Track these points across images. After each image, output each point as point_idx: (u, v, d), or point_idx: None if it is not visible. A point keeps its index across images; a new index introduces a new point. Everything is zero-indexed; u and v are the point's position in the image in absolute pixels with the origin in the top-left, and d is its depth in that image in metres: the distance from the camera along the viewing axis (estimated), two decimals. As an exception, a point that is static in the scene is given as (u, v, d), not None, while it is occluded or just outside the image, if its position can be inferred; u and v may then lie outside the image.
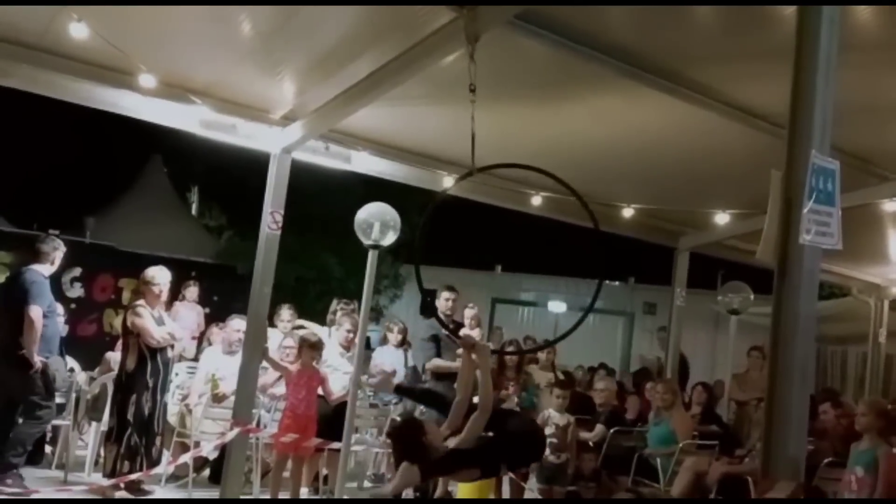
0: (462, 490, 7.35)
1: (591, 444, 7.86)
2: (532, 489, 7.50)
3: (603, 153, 7.21)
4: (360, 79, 5.98)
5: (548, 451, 7.25)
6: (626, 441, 7.89)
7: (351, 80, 6.04)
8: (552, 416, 7.33)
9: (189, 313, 9.07)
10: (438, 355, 7.66)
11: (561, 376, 8.80)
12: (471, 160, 4.70)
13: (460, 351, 7.55)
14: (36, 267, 6.81)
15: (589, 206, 4.35)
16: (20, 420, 6.57)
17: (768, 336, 3.35)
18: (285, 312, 8.44)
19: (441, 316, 7.73)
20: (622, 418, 8.39)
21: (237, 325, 7.66)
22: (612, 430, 7.87)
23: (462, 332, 7.79)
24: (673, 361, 9.66)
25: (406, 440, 4.07)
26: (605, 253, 4.78)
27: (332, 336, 8.14)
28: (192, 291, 9.56)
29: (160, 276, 7.04)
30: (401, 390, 5.67)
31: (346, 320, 7.91)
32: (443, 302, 7.82)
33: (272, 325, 8.17)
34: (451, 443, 4.09)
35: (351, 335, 7.76)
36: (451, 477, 3.96)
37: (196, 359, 8.77)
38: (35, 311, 6.56)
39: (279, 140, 6.86)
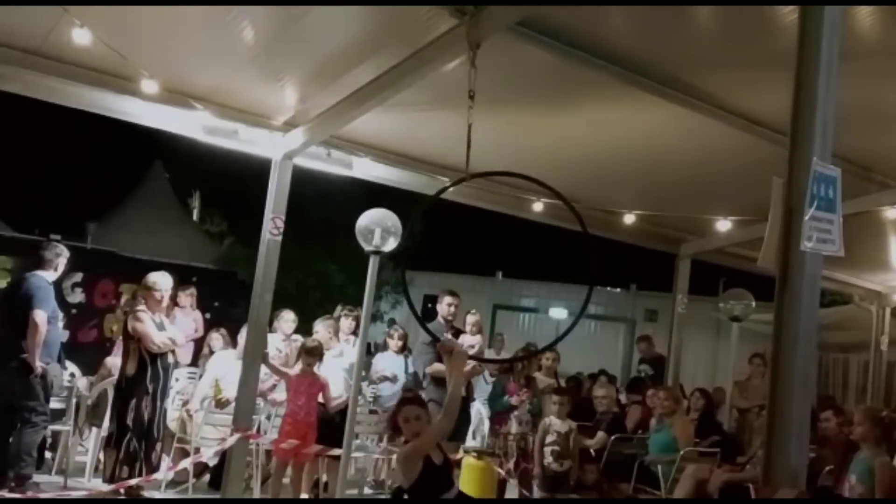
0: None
1: (592, 451, 7.84)
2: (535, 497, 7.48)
3: (604, 160, 7.22)
4: (362, 85, 5.99)
5: (550, 459, 7.23)
6: (628, 448, 7.87)
7: (353, 87, 6.05)
8: (553, 424, 7.32)
9: (185, 319, 9.04)
10: (439, 360, 7.65)
11: (563, 383, 8.79)
12: (474, 167, 4.72)
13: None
14: (40, 273, 6.82)
15: (578, 212, 4.37)
16: (19, 426, 6.56)
17: (770, 343, 3.35)
18: (288, 314, 8.43)
19: (441, 320, 7.72)
20: (623, 425, 8.37)
21: None
22: (613, 437, 7.85)
23: (462, 338, 7.79)
24: (674, 368, 9.66)
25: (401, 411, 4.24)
26: (595, 258, 4.81)
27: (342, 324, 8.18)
28: (184, 298, 9.48)
29: (162, 281, 7.04)
30: None
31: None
32: (444, 307, 7.82)
33: (272, 330, 8.18)
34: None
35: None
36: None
37: (193, 364, 8.75)
38: (40, 316, 6.56)
39: (281, 146, 6.87)
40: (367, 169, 7.50)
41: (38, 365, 6.56)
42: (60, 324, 7.34)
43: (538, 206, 8.23)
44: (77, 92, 6.05)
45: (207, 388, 7.60)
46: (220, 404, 7.39)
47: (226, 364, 7.71)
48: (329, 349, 7.71)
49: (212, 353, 8.55)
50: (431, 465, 4.11)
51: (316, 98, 6.35)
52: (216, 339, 8.81)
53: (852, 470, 5.52)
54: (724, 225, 8.47)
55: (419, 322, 6.19)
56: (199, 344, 9.26)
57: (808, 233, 3.17)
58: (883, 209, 7.36)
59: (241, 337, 7.72)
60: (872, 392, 11.16)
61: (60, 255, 6.94)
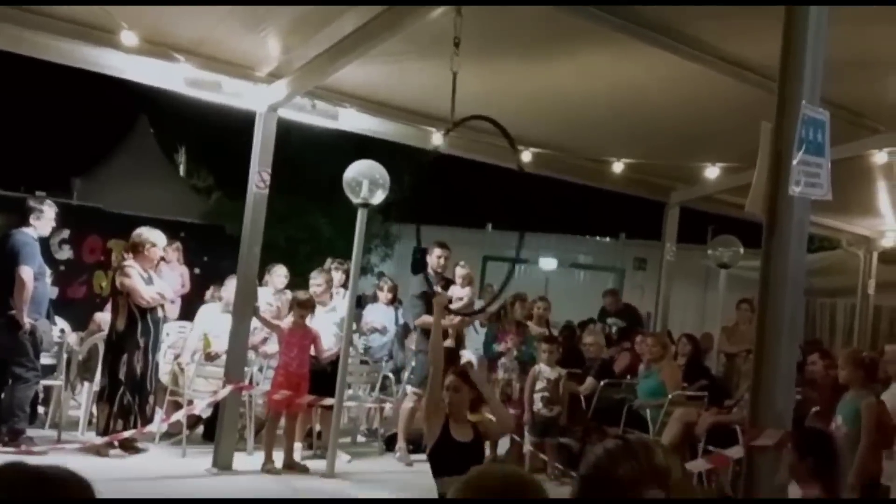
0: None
1: (581, 397, 7.95)
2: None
3: (592, 108, 7.16)
4: (346, 34, 5.90)
5: (540, 405, 7.35)
6: (617, 393, 7.97)
7: (336, 36, 5.96)
8: (543, 371, 7.41)
9: (171, 274, 9.02)
10: (428, 312, 7.69)
11: (555, 332, 8.88)
12: (462, 117, 4.69)
13: (453, 307, 7.73)
14: (26, 229, 6.79)
15: (516, 146, 4.40)
16: (11, 382, 6.58)
17: (758, 290, 3.37)
18: (280, 269, 8.43)
19: (430, 272, 7.74)
20: (612, 371, 8.47)
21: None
22: (602, 383, 7.95)
23: (452, 289, 7.81)
24: (663, 316, 9.73)
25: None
26: (528, 199, 4.84)
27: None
28: (170, 252, 9.44)
29: (159, 238, 7.05)
30: None
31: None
32: (434, 259, 7.82)
33: (262, 284, 8.19)
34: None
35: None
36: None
37: (181, 319, 8.76)
38: (26, 272, 6.54)
39: (265, 98, 6.79)
40: (352, 120, 7.43)
41: (27, 321, 6.55)
42: (48, 280, 7.32)
43: (527, 156, 8.18)
44: (57, 45, 5.94)
45: (196, 341, 7.62)
46: (210, 358, 7.41)
47: (213, 317, 7.73)
48: (323, 304, 7.69)
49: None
50: (449, 437, 4.08)
51: (299, 48, 6.25)
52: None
53: (839, 411, 5.60)
54: (713, 172, 8.45)
55: (424, 277, 6.24)
56: (187, 299, 9.24)
57: (796, 177, 3.17)
58: (871, 154, 7.34)
59: (225, 290, 7.74)
60: (859, 336, 11.29)
61: (45, 211, 6.89)
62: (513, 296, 8.63)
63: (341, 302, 7.91)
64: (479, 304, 9.99)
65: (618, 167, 8.53)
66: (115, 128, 16.20)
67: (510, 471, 1.64)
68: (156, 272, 7.26)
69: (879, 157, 7.36)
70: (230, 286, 7.70)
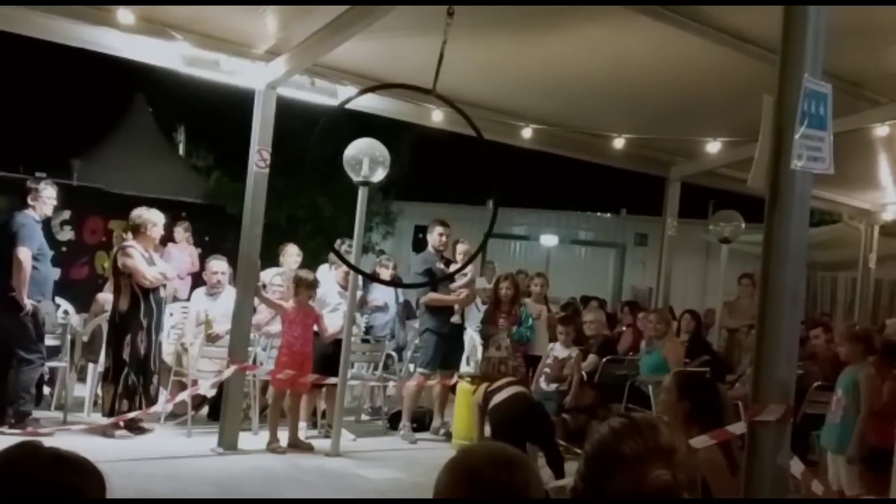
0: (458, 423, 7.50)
1: (584, 373, 7.97)
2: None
3: (592, 83, 7.11)
4: (344, 10, 5.85)
5: (542, 379, 7.42)
6: (619, 370, 8.00)
7: (335, 12, 5.91)
8: (555, 349, 7.48)
9: (180, 254, 9.03)
10: (434, 289, 7.71)
11: (555, 308, 8.88)
12: (465, 99, 4.66)
13: (455, 285, 7.76)
14: (27, 211, 6.79)
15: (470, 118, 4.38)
16: (16, 364, 6.60)
17: (759, 265, 3.36)
18: (292, 249, 8.44)
19: (432, 250, 7.76)
20: (614, 348, 8.49)
21: (215, 266, 7.72)
22: (604, 360, 7.97)
23: (453, 268, 7.81)
24: (664, 291, 9.73)
25: None
26: (494, 168, 4.80)
27: (330, 275, 8.15)
28: (180, 233, 9.49)
29: (159, 218, 7.05)
30: None
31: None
32: (435, 237, 7.82)
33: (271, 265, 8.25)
34: None
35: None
36: None
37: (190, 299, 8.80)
38: (23, 253, 6.53)
39: (264, 75, 6.75)
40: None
41: (28, 303, 6.55)
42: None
43: (527, 133, 8.15)
44: (53, 25, 5.89)
45: (194, 324, 7.61)
46: (211, 339, 7.41)
47: (203, 300, 7.74)
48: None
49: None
50: None
51: (297, 25, 6.20)
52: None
53: (839, 384, 5.64)
54: (714, 146, 8.41)
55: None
56: (196, 278, 9.27)
57: (798, 151, 3.15)
58: (873, 126, 7.30)
59: (206, 272, 7.78)
60: (860, 310, 11.30)
61: (45, 192, 6.88)
62: (504, 275, 8.61)
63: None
64: (481, 282, 10.02)
65: (618, 142, 8.49)
66: (113, 108, 16.13)
67: (496, 447, 1.65)
68: (158, 253, 7.26)
69: (881, 129, 7.31)
70: (209, 268, 7.80)
